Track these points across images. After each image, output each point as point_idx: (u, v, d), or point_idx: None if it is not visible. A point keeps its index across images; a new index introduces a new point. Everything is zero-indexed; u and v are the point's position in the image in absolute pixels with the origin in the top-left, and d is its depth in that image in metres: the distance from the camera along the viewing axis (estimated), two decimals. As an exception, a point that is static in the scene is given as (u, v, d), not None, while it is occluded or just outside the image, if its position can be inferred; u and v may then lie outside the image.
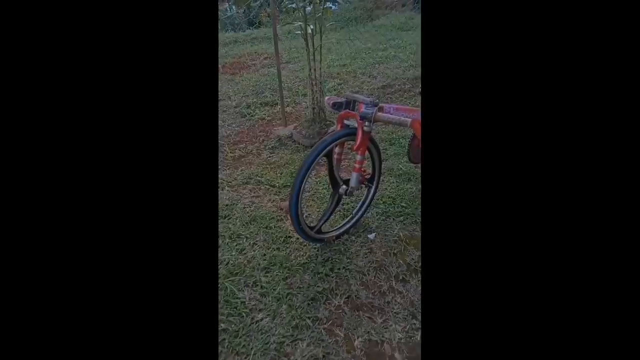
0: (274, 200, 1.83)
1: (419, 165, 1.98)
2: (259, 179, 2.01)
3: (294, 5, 2.20)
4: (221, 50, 4.60)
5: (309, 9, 2.16)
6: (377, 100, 1.29)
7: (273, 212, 1.73)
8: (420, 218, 1.64)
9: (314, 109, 2.39)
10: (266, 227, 1.62)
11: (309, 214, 1.72)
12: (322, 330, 1.16)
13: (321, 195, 1.84)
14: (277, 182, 1.96)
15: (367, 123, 1.28)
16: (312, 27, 2.16)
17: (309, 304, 1.24)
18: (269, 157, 2.27)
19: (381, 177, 1.86)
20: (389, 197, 1.79)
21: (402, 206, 1.73)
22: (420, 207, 1.71)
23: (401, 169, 2.02)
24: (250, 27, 5.94)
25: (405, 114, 1.38)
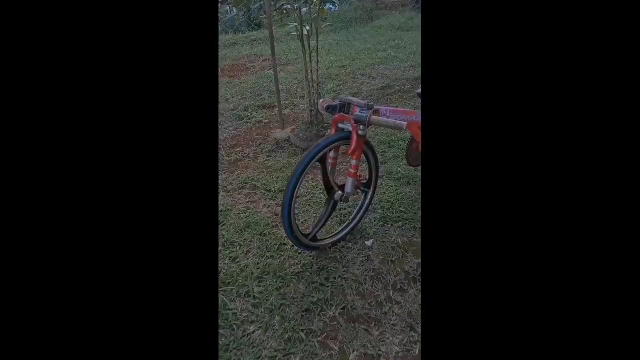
0: (269, 206, 1.78)
1: (418, 168, 1.93)
2: (255, 183, 1.97)
3: (288, 6, 2.16)
4: (220, 53, 4.58)
5: (304, 9, 2.12)
6: (372, 103, 1.24)
7: (268, 217, 1.68)
8: (419, 223, 1.59)
9: (311, 111, 2.35)
10: (260, 234, 1.57)
11: (304, 220, 1.67)
12: (316, 344, 1.11)
13: (318, 199, 1.80)
14: (273, 187, 1.92)
15: (361, 126, 1.23)
16: (307, 28, 2.11)
17: (302, 316, 1.19)
18: (266, 160, 2.23)
19: (379, 181, 1.81)
20: (387, 202, 1.74)
21: (401, 211, 1.68)
22: (419, 211, 1.66)
23: (400, 171, 1.97)
24: (250, 29, 5.91)
25: (401, 117, 1.34)
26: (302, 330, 1.14)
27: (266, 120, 2.77)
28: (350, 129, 1.26)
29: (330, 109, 1.30)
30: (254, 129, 2.66)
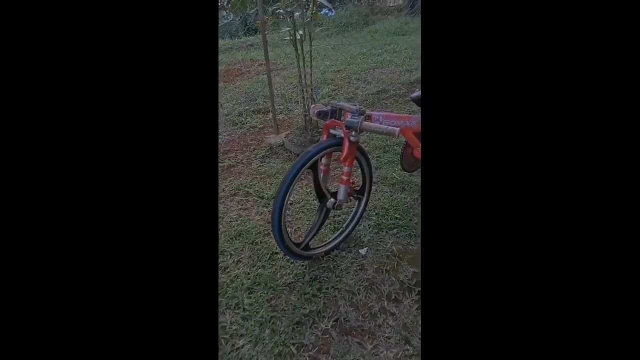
0: (262, 213, 1.74)
1: (413, 173, 1.90)
2: (248, 190, 1.93)
3: (282, 11, 2.13)
4: (215, 58, 4.55)
5: (297, 14, 2.10)
6: (364, 109, 1.21)
7: (260, 225, 1.64)
8: (414, 230, 1.55)
9: (305, 116, 2.32)
10: (252, 243, 1.53)
11: (297, 228, 1.63)
12: (308, 358, 1.07)
13: (311, 207, 1.76)
14: (266, 194, 1.88)
15: (353, 132, 1.20)
16: (300, 32, 2.09)
17: (293, 329, 1.15)
18: (259, 166, 2.19)
19: (373, 187, 1.78)
20: (382, 208, 1.71)
21: (396, 217, 1.64)
22: (414, 218, 1.62)
23: (395, 177, 1.94)
24: (246, 34, 5.90)
25: (394, 122, 1.31)
26: (293, 344, 1.10)
27: (260, 126, 2.74)
28: (342, 135, 1.23)
29: (322, 114, 1.27)
30: (248, 134, 2.63)
